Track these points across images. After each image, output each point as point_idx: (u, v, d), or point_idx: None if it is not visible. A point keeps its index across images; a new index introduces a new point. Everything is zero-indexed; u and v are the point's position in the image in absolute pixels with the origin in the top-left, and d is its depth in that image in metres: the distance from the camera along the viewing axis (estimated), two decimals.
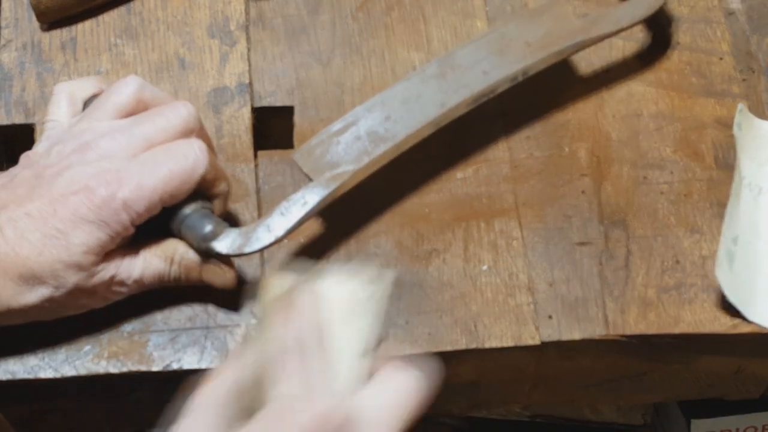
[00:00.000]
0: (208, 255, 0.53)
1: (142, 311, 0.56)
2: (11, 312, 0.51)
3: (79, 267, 0.51)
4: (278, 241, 0.54)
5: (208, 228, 0.53)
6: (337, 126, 0.57)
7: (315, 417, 0.43)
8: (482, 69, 0.59)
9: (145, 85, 0.55)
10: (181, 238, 0.54)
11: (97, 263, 0.51)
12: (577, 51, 0.62)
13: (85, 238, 0.50)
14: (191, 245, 0.54)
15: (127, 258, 0.53)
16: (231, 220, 0.59)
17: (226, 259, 0.54)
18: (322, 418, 0.43)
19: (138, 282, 0.53)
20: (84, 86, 0.57)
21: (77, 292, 0.51)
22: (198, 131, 0.55)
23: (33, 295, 0.50)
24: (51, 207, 0.50)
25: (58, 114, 0.56)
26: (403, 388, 0.46)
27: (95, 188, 0.50)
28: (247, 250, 0.53)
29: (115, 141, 0.52)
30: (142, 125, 0.53)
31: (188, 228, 0.53)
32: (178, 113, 0.54)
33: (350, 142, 0.57)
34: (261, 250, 0.54)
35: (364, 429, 0.44)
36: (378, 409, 0.45)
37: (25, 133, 0.61)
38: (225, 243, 0.53)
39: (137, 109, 0.55)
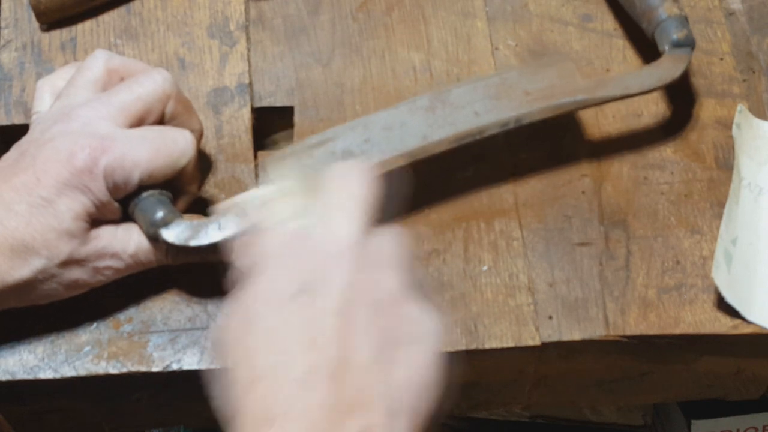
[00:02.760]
0: (156, 241, 0.53)
1: (142, 312, 0.57)
2: (6, 290, 0.51)
3: (71, 234, 0.51)
4: (228, 240, 0.53)
5: (160, 214, 0.53)
6: (314, 139, 0.57)
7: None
8: (474, 110, 0.58)
9: (113, 55, 0.56)
10: (134, 220, 0.54)
11: (87, 230, 0.52)
12: (577, 109, 0.60)
13: (70, 204, 0.51)
14: (141, 228, 0.54)
15: (121, 230, 0.53)
16: None
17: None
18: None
19: (134, 257, 0.53)
20: (64, 76, 0.57)
21: (71, 263, 0.52)
22: (175, 96, 0.55)
23: (27, 269, 0.50)
24: (34, 177, 0.51)
25: (42, 106, 0.56)
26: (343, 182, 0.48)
27: (78, 152, 0.51)
28: (193, 243, 0.53)
29: (95, 110, 0.53)
30: (119, 94, 0.54)
31: (141, 211, 0.53)
32: (154, 80, 0.55)
33: (323, 158, 0.56)
34: (208, 246, 0.53)
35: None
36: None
37: (25, 133, 0.61)
38: (173, 232, 0.53)
39: (111, 80, 0.56)
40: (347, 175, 0.48)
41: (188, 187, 0.56)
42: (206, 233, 0.53)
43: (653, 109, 0.66)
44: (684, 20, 0.62)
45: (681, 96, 0.66)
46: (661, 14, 0.62)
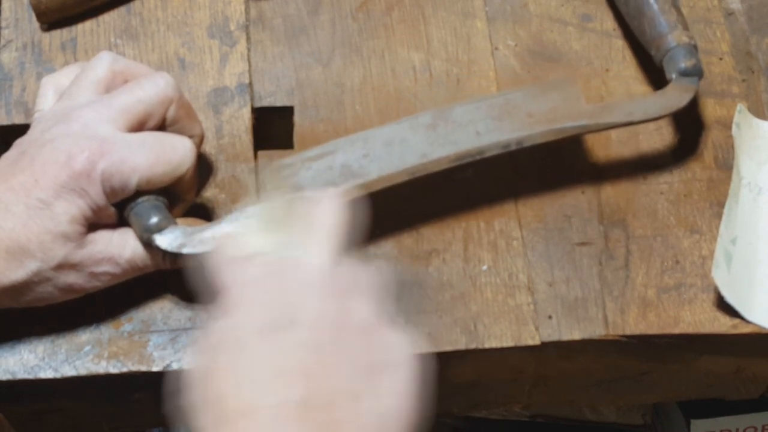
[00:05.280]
0: (149, 246, 0.53)
1: (142, 311, 0.57)
2: (1, 291, 0.50)
3: (66, 237, 0.51)
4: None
5: (154, 220, 0.53)
6: (313, 152, 0.56)
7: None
8: (476, 129, 0.58)
9: (118, 58, 0.56)
10: (128, 224, 0.54)
11: (83, 234, 0.51)
12: (579, 134, 0.60)
13: (67, 207, 0.50)
14: (135, 233, 0.53)
15: (117, 235, 0.53)
16: None
17: None
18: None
19: (130, 262, 0.53)
20: (68, 75, 0.57)
21: (66, 266, 0.51)
22: (177, 100, 0.55)
23: (22, 271, 0.50)
24: (33, 178, 0.50)
25: (45, 104, 0.56)
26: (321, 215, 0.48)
27: (77, 155, 0.51)
28: (186, 251, 0.52)
29: (96, 112, 0.53)
30: (121, 96, 0.54)
31: (136, 215, 0.53)
32: (156, 84, 0.54)
33: (321, 171, 0.56)
34: (200, 254, 0.53)
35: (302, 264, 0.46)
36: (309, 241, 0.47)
37: (25, 133, 0.61)
38: (167, 238, 0.53)
39: (115, 82, 0.55)
40: (321, 205, 0.48)
41: (185, 195, 0.56)
42: (200, 241, 0.53)
43: None
44: (693, 49, 0.62)
45: None
46: (670, 42, 0.62)
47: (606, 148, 0.64)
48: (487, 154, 0.57)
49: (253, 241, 0.50)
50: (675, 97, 0.61)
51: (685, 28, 0.62)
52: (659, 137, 0.65)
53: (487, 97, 0.60)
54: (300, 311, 0.44)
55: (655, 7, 0.63)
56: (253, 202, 0.52)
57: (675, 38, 0.62)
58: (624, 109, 0.60)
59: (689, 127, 0.65)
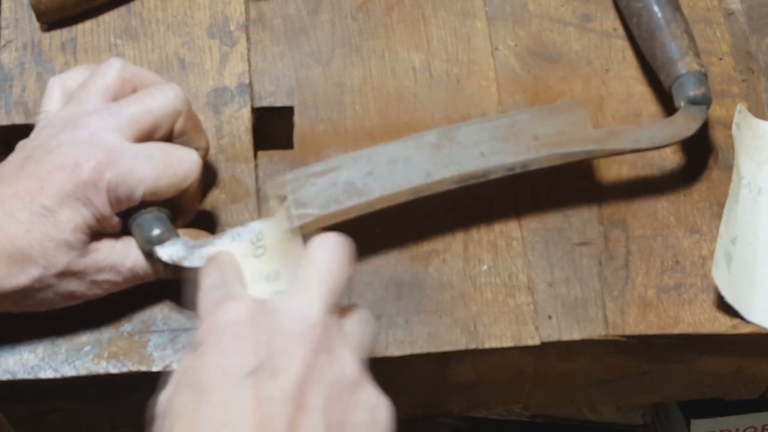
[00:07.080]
0: (150, 257, 0.53)
1: (142, 311, 0.57)
2: (2, 296, 0.50)
3: (69, 245, 0.51)
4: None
5: (156, 232, 0.53)
6: (318, 168, 0.56)
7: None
8: (481, 150, 0.57)
9: (127, 65, 0.56)
10: (131, 234, 0.54)
11: (86, 243, 0.51)
12: (585, 159, 0.60)
13: (71, 216, 0.50)
14: (137, 244, 0.53)
15: (120, 244, 0.53)
16: (230, 221, 0.59)
17: None
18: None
19: (132, 271, 0.53)
20: (76, 76, 0.57)
21: (68, 274, 0.51)
22: (186, 113, 0.55)
23: (24, 277, 0.50)
24: (38, 185, 0.50)
25: (51, 105, 0.56)
26: (325, 259, 0.47)
27: (83, 164, 0.51)
28: (187, 264, 0.52)
29: (104, 120, 0.52)
30: (129, 106, 0.54)
31: (138, 226, 0.53)
32: (165, 95, 0.54)
33: (325, 187, 0.55)
34: (200, 267, 0.52)
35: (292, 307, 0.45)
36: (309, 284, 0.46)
37: (26, 134, 0.61)
38: (167, 251, 0.52)
39: (124, 89, 0.55)
40: (329, 251, 0.47)
41: (189, 206, 0.56)
42: (200, 255, 0.52)
43: (652, 109, 0.66)
44: (703, 77, 0.61)
45: None
46: (681, 69, 0.61)
47: None
48: (492, 177, 0.57)
49: (253, 270, 0.50)
50: (682, 125, 0.60)
51: (697, 55, 0.62)
52: None
53: (493, 117, 0.59)
54: (284, 361, 0.43)
55: (667, 31, 0.62)
56: (255, 219, 0.51)
57: (686, 65, 0.61)
58: (631, 135, 0.59)
59: None
